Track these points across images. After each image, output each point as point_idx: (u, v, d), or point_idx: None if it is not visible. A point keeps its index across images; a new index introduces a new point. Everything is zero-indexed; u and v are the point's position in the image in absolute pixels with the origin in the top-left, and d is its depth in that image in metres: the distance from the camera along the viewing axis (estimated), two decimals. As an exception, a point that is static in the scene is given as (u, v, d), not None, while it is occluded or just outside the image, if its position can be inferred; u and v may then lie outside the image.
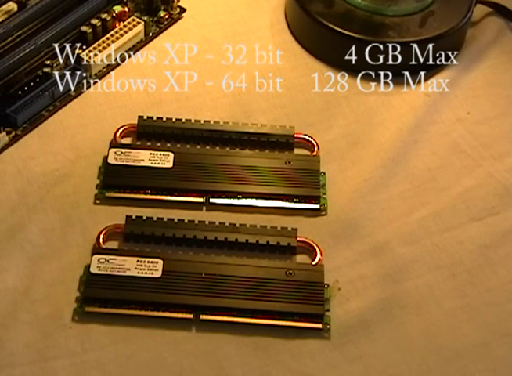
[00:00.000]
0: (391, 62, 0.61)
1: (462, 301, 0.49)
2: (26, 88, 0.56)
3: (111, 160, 0.53)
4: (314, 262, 0.49)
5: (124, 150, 0.54)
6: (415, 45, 0.60)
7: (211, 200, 0.52)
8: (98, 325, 0.47)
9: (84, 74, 0.59)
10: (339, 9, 0.62)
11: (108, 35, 0.60)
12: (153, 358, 0.46)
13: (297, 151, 0.56)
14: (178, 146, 0.56)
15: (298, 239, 0.50)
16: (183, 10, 0.65)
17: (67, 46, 0.59)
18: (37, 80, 0.57)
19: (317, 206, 0.53)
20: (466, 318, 0.48)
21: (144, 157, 0.54)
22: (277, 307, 0.47)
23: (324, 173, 0.54)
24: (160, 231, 0.50)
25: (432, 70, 0.62)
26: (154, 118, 0.56)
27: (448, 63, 0.62)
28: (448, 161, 0.56)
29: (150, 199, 0.52)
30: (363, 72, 0.61)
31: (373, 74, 0.61)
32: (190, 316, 0.47)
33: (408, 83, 0.61)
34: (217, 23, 0.65)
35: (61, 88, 0.57)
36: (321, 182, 0.54)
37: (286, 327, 0.47)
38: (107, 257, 0.48)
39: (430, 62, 0.61)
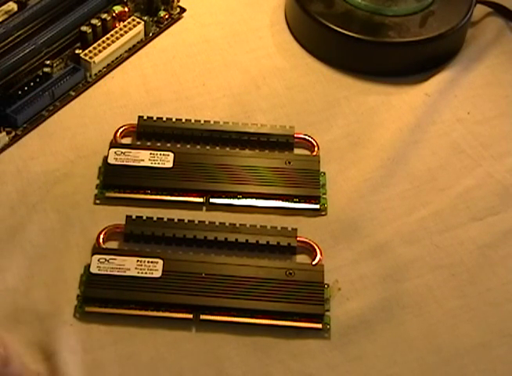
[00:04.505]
0: (391, 62, 0.61)
1: (462, 301, 0.49)
2: (26, 88, 0.56)
3: (111, 160, 0.53)
4: (314, 262, 0.49)
5: (124, 150, 0.54)
6: (415, 45, 0.60)
7: (211, 200, 0.52)
8: (98, 325, 0.47)
9: (84, 74, 0.59)
10: (339, 9, 0.62)
11: (108, 35, 0.60)
12: (153, 358, 0.46)
13: (297, 151, 0.56)
14: (178, 146, 0.55)
15: (298, 239, 0.50)
16: (183, 10, 0.65)
17: (67, 46, 0.59)
18: (37, 80, 0.57)
19: (317, 206, 0.53)
20: (467, 318, 0.48)
21: (144, 157, 0.54)
22: (277, 307, 0.47)
23: (324, 173, 0.54)
24: (160, 231, 0.50)
25: (432, 70, 0.62)
26: (154, 118, 0.56)
27: (449, 63, 0.62)
28: (448, 161, 0.56)
29: (150, 199, 0.52)
30: (363, 72, 0.61)
31: (373, 74, 0.61)
32: (190, 316, 0.47)
33: (408, 83, 0.61)
34: (217, 23, 0.65)
35: (61, 88, 0.57)
36: (321, 182, 0.54)
37: (286, 327, 0.47)
38: (107, 257, 0.48)
39: (430, 62, 0.62)
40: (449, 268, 0.50)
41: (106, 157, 0.54)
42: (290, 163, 0.54)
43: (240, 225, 0.51)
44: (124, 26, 0.61)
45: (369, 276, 0.50)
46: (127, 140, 0.56)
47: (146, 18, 0.63)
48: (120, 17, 0.61)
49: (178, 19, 0.64)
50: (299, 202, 0.53)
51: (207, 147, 0.56)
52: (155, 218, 0.51)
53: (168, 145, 0.56)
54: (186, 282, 0.48)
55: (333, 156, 0.56)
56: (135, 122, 0.56)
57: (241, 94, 0.59)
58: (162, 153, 0.54)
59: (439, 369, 0.46)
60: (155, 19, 0.63)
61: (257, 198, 0.53)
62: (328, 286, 0.49)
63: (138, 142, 0.56)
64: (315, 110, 0.59)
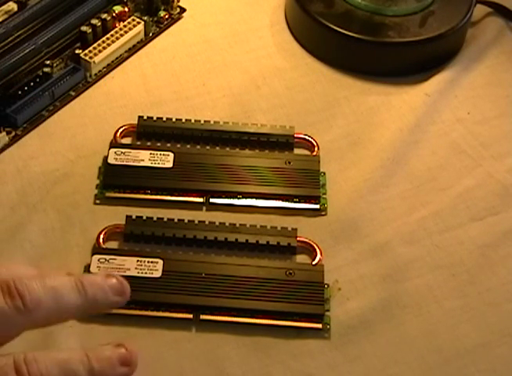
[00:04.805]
0: (391, 62, 0.61)
1: (462, 301, 0.49)
2: (26, 88, 0.56)
3: (111, 160, 0.53)
4: (314, 262, 0.49)
5: (124, 150, 0.54)
6: (415, 45, 0.60)
7: (211, 200, 0.52)
8: (98, 325, 0.47)
9: (84, 74, 0.59)
10: (339, 9, 0.62)
11: (108, 35, 0.60)
12: (153, 358, 0.46)
13: (297, 151, 0.56)
14: (178, 146, 0.55)
15: (298, 239, 0.50)
16: (183, 10, 0.65)
17: (67, 46, 0.59)
18: (37, 80, 0.57)
19: (317, 206, 0.53)
20: (466, 318, 0.48)
21: (144, 157, 0.54)
22: (277, 307, 0.47)
23: (324, 173, 0.54)
24: (160, 231, 0.50)
25: (432, 70, 0.62)
26: (154, 118, 0.56)
27: (449, 63, 0.62)
28: (448, 161, 0.56)
29: (150, 199, 0.52)
30: (363, 72, 0.61)
31: (373, 74, 0.61)
32: (190, 316, 0.47)
33: (408, 83, 0.61)
34: (217, 23, 0.65)
35: (61, 88, 0.57)
36: (321, 182, 0.54)
37: (286, 327, 0.47)
38: (107, 257, 0.48)
39: (430, 62, 0.62)
40: (449, 268, 0.50)
41: (106, 157, 0.54)
42: (290, 163, 0.54)
43: (240, 225, 0.51)
44: (124, 26, 0.61)
45: (369, 276, 0.50)
46: (127, 140, 0.56)
47: (146, 18, 0.63)
48: (120, 17, 0.61)
49: (178, 19, 0.64)
50: (299, 202, 0.53)
51: (207, 147, 0.56)
52: (155, 218, 0.51)
53: (168, 145, 0.56)
54: (186, 282, 0.48)
55: (333, 156, 0.56)
56: (135, 122, 0.56)
57: (241, 94, 0.59)
58: (162, 153, 0.54)
59: (439, 369, 0.46)
60: (155, 19, 0.63)
61: (257, 198, 0.53)
62: (328, 286, 0.49)
63: (138, 142, 0.56)
64: (315, 110, 0.59)
